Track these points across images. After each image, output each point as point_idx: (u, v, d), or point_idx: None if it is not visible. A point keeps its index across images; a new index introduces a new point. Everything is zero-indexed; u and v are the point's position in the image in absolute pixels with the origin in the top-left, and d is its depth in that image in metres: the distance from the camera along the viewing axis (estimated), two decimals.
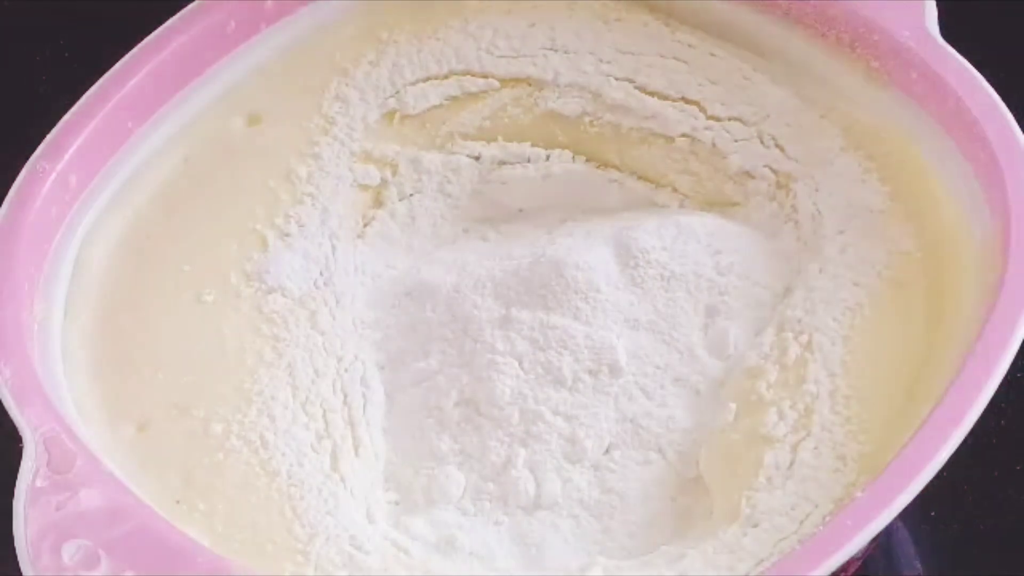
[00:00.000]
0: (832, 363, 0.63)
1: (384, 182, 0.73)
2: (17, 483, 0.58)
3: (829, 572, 0.54)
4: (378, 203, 0.73)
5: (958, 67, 0.66)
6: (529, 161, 0.73)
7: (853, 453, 0.60)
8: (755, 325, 0.66)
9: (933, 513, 0.70)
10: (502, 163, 0.73)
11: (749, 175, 0.70)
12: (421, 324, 0.68)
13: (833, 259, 0.66)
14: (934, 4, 0.68)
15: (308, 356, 0.66)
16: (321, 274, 0.69)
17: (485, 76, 0.74)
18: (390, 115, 0.74)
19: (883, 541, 0.68)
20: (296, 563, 0.60)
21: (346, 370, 0.66)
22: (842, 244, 0.66)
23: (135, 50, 0.72)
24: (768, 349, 0.65)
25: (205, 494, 0.61)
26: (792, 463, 0.60)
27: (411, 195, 0.73)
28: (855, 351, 0.63)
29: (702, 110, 0.72)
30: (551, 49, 0.74)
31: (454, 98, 0.74)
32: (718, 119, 0.71)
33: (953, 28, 0.68)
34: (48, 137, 0.69)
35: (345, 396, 0.65)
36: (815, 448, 0.60)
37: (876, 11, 0.69)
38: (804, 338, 0.64)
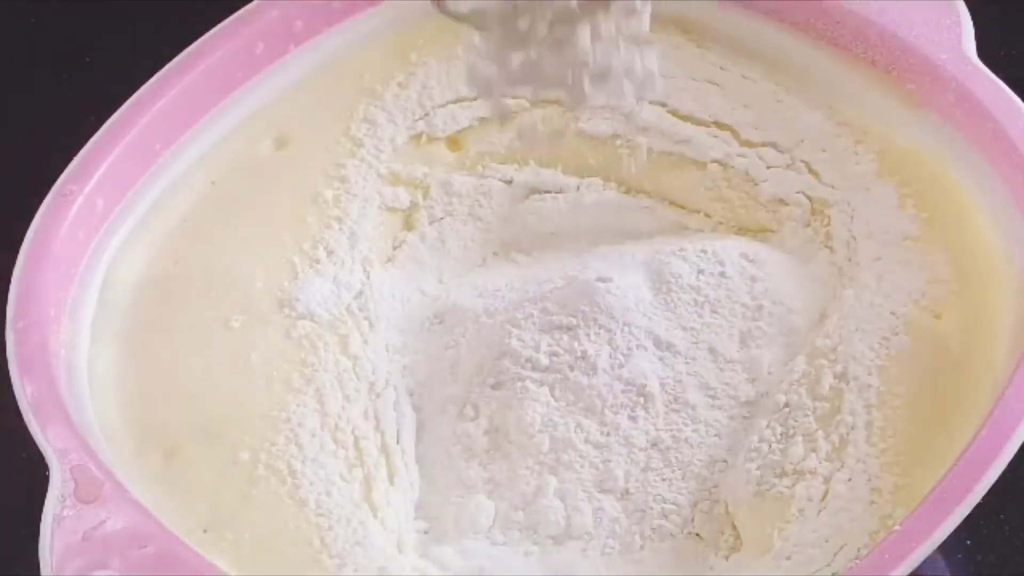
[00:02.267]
0: (867, 394, 0.62)
1: (414, 205, 0.72)
2: (44, 510, 0.58)
3: None
4: (408, 226, 0.72)
5: (996, 89, 0.66)
6: (560, 192, 0.72)
7: (888, 485, 0.59)
8: (789, 351, 0.66)
9: (969, 542, 0.69)
10: (533, 190, 0.72)
11: (783, 202, 0.70)
12: (450, 349, 0.68)
13: (869, 287, 0.65)
14: (971, 26, 0.68)
15: (337, 382, 0.65)
16: (355, 299, 0.68)
17: (515, 97, 0.73)
18: (418, 137, 0.73)
19: (917, 570, 0.67)
20: None
21: (378, 396, 0.66)
22: (878, 271, 0.66)
23: (163, 71, 0.71)
24: (800, 377, 0.64)
25: (232, 523, 0.61)
26: (825, 495, 0.60)
27: (442, 218, 0.72)
28: (891, 382, 0.62)
29: (735, 135, 0.71)
30: None
31: (483, 120, 0.73)
32: (751, 145, 0.71)
33: (990, 50, 0.67)
34: (75, 159, 0.69)
35: (378, 422, 0.65)
36: (849, 480, 0.60)
37: (912, 33, 0.68)
38: (838, 367, 0.63)
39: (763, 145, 0.71)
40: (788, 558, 0.58)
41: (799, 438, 0.62)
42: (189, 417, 0.64)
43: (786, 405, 0.63)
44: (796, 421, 0.62)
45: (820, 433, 0.61)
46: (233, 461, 0.63)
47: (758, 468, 0.62)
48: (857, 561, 0.56)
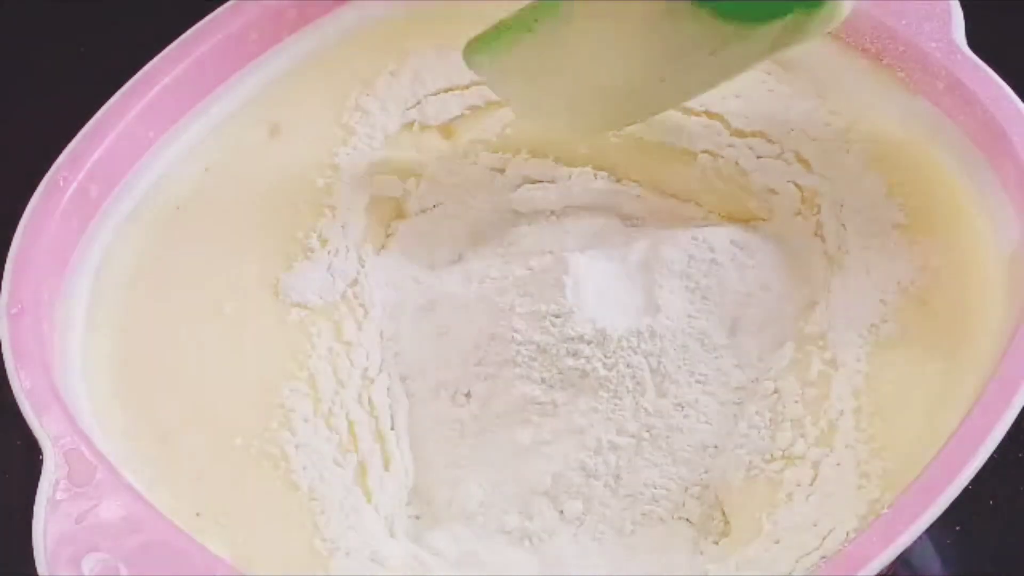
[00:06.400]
0: (856, 380, 0.62)
1: (406, 193, 0.72)
2: (37, 495, 0.58)
3: None
4: (400, 215, 0.72)
5: (985, 78, 0.66)
6: (552, 181, 0.72)
7: (877, 470, 0.59)
8: (778, 339, 0.66)
9: (958, 528, 0.70)
10: (525, 179, 0.72)
11: (773, 191, 0.70)
12: (442, 335, 0.68)
13: (858, 274, 0.65)
14: (961, 15, 0.68)
15: (331, 368, 0.65)
16: (349, 287, 0.68)
17: None
18: (410, 125, 0.73)
19: (908, 556, 0.67)
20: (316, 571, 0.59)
21: (371, 381, 0.66)
22: (866, 259, 0.66)
23: (156, 59, 0.72)
24: (789, 363, 0.64)
25: (225, 507, 0.61)
26: (814, 480, 0.60)
27: (434, 206, 0.72)
28: (879, 368, 0.62)
29: (725, 125, 0.71)
30: None
31: (475, 108, 0.73)
32: (741, 134, 0.71)
33: (980, 39, 0.68)
34: (68, 147, 0.69)
35: (372, 408, 0.65)
36: (838, 465, 0.60)
37: (903, 22, 0.68)
38: (827, 354, 0.63)
39: (753, 135, 0.71)
40: (777, 542, 0.59)
41: (787, 423, 0.62)
42: (181, 402, 0.64)
43: (775, 391, 0.63)
44: (785, 407, 0.63)
45: (808, 419, 0.62)
46: (226, 446, 0.63)
47: (747, 453, 0.62)
48: (846, 545, 0.57)
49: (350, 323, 0.67)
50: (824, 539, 0.58)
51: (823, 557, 0.57)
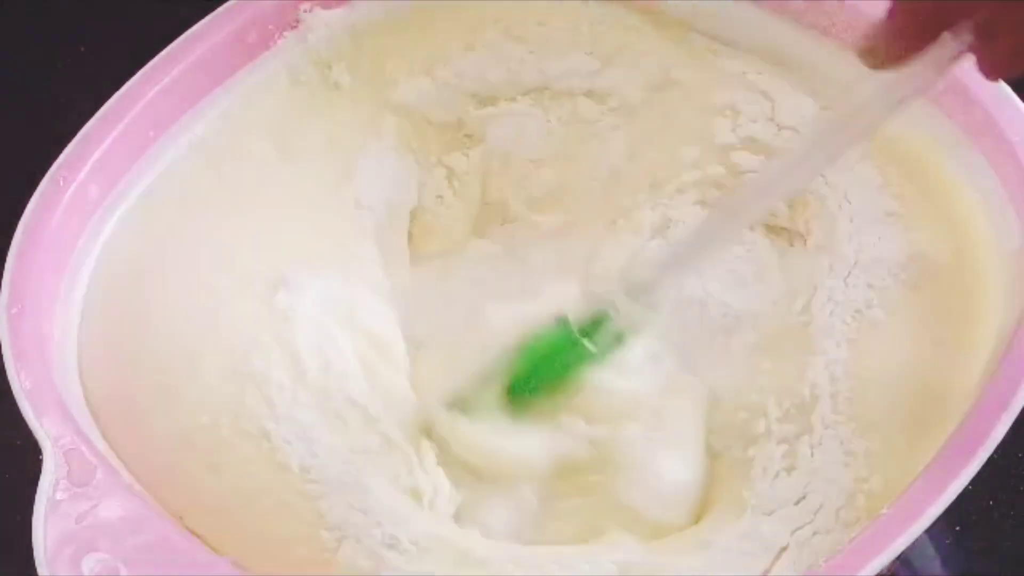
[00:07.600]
0: (834, 366, 0.62)
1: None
2: (37, 495, 0.58)
3: None
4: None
5: (986, 79, 0.65)
6: None
7: (861, 449, 0.60)
8: (764, 324, 0.66)
9: (958, 528, 0.70)
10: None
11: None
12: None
13: (847, 260, 0.65)
14: None
15: (315, 341, 0.64)
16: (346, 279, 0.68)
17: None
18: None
19: (908, 556, 0.68)
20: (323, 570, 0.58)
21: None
22: (857, 245, 0.65)
23: (156, 59, 0.71)
24: (770, 350, 0.65)
25: (212, 504, 0.60)
26: (789, 456, 0.60)
27: (438, 197, 0.72)
28: (860, 354, 0.62)
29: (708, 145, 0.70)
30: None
31: None
32: (732, 147, 0.70)
33: None
34: (68, 147, 0.68)
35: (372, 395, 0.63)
36: (820, 444, 0.60)
37: None
38: (808, 337, 0.64)
39: (743, 148, 0.70)
40: (768, 514, 0.59)
41: (755, 404, 0.63)
42: (150, 379, 0.63)
43: (751, 377, 0.64)
44: (760, 394, 0.63)
45: (772, 399, 0.62)
46: (192, 426, 0.60)
47: (724, 433, 0.63)
48: (846, 545, 0.57)
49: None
50: (815, 514, 0.58)
51: (815, 532, 0.57)
